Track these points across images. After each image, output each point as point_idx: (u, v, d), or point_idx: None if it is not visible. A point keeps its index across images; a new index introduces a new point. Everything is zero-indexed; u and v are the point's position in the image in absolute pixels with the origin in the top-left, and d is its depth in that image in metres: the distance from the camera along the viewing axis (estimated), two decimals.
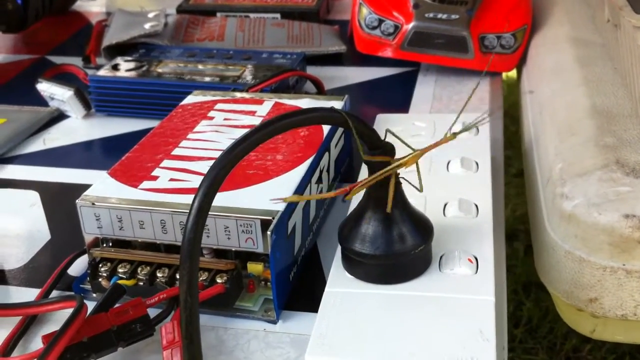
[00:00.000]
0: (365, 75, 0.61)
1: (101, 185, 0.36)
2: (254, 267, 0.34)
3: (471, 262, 0.32)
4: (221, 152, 0.37)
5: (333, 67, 0.62)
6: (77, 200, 0.35)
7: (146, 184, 0.36)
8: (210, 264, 0.34)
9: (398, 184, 0.31)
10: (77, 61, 0.63)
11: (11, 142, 0.50)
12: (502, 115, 0.54)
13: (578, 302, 0.36)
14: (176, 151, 0.39)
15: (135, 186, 0.36)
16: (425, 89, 0.57)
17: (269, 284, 0.34)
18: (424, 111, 0.54)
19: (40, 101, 0.56)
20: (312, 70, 0.59)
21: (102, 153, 0.50)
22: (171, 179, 0.36)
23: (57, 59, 0.66)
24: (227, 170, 0.27)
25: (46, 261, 0.39)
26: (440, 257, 0.33)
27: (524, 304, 1.05)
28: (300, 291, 0.36)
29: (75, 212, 0.43)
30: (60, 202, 0.44)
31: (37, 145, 0.51)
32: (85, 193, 0.35)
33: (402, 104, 0.55)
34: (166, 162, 0.38)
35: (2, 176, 0.47)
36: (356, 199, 0.35)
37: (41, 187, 0.46)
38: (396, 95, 0.57)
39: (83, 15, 0.78)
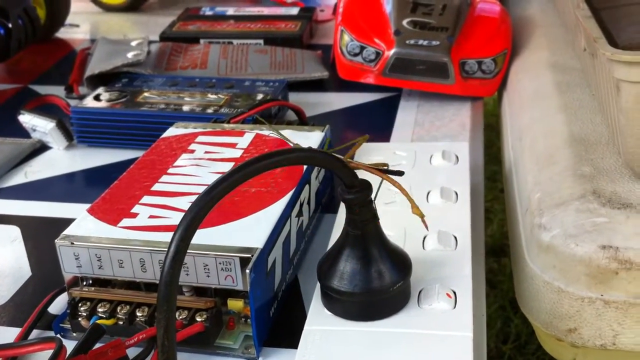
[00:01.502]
0: (347, 100, 0.61)
1: (80, 223, 0.36)
2: (234, 304, 0.34)
3: (450, 297, 0.32)
4: (201, 187, 0.38)
5: (315, 92, 0.63)
6: (56, 240, 0.35)
7: (125, 221, 0.36)
8: (190, 302, 0.34)
9: (376, 220, 0.32)
10: (59, 90, 0.63)
11: None
12: (482, 140, 0.54)
13: (557, 332, 0.37)
14: (156, 186, 0.39)
15: (115, 224, 0.36)
16: (407, 114, 0.58)
17: (249, 320, 0.34)
18: (406, 137, 0.54)
19: (22, 132, 0.56)
20: (294, 97, 0.60)
21: (85, 185, 0.50)
22: (150, 216, 0.36)
23: (40, 88, 0.66)
24: (204, 212, 0.27)
25: (27, 299, 0.39)
26: (420, 292, 0.33)
27: (512, 320, 1.05)
28: (281, 326, 0.36)
29: (56, 248, 0.43)
30: (41, 238, 0.44)
31: (19, 178, 0.51)
32: (64, 232, 0.35)
33: (384, 131, 0.56)
34: (146, 199, 0.38)
35: None
36: (335, 235, 0.35)
37: (22, 222, 0.46)
38: (378, 121, 0.58)
39: (66, 43, 0.78)
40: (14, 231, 0.45)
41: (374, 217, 0.32)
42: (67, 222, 0.45)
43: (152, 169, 0.41)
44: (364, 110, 0.60)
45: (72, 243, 0.34)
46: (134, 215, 0.36)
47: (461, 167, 0.43)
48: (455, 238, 0.37)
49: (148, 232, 0.35)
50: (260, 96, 0.54)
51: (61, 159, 0.53)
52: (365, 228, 0.31)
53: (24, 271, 0.41)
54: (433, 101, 0.60)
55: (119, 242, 0.34)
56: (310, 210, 0.42)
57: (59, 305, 0.38)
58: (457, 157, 0.44)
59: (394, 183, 0.33)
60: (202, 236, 0.34)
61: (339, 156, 0.30)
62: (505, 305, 1.06)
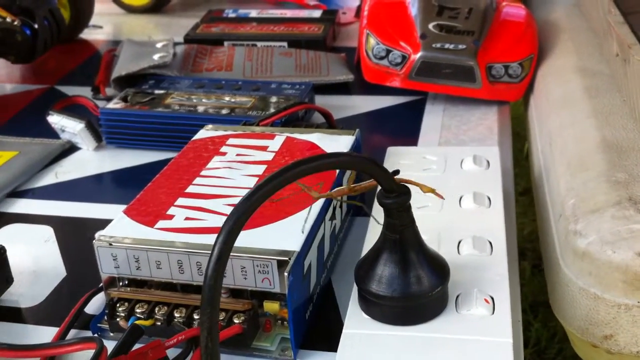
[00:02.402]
0: (372, 104, 0.61)
1: (117, 224, 0.36)
2: (270, 306, 0.35)
3: (487, 302, 0.32)
4: (234, 190, 0.38)
5: (340, 95, 0.63)
6: (94, 241, 0.35)
7: (162, 223, 0.36)
8: (228, 304, 0.34)
9: (414, 224, 0.32)
10: (85, 91, 0.63)
11: (24, 175, 0.51)
12: (511, 145, 0.54)
13: (593, 339, 0.37)
14: (190, 189, 0.39)
15: (152, 225, 0.36)
16: (433, 118, 0.58)
17: (285, 322, 0.34)
18: (434, 141, 0.54)
19: (51, 133, 0.56)
20: (319, 100, 0.60)
21: (115, 186, 0.51)
22: (186, 218, 0.37)
23: (66, 89, 0.66)
24: (247, 216, 0.27)
25: (63, 299, 0.39)
26: (457, 297, 0.33)
27: (532, 324, 1.05)
28: (316, 329, 0.36)
29: (90, 248, 0.43)
30: (74, 238, 0.44)
31: (49, 178, 0.51)
32: (101, 233, 0.35)
33: (410, 134, 0.56)
34: (181, 200, 0.38)
35: (16, 210, 0.48)
36: (370, 239, 0.36)
37: (55, 222, 0.46)
38: (404, 124, 0.58)
39: (90, 44, 0.79)
40: (48, 231, 0.45)
41: (412, 222, 0.32)
42: (100, 222, 0.45)
43: (185, 171, 0.41)
44: (389, 114, 0.60)
45: (111, 244, 0.35)
46: (170, 217, 0.37)
47: (493, 172, 0.43)
48: (490, 243, 0.37)
49: (185, 234, 0.35)
50: (286, 99, 0.54)
51: (90, 159, 0.54)
52: (403, 232, 0.31)
53: (59, 271, 0.41)
54: (459, 105, 0.60)
55: (156, 244, 0.34)
56: (342, 214, 0.42)
57: (94, 305, 0.38)
58: (487, 162, 0.44)
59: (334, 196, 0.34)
60: (239, 239, 0.34)
61: (376, 161, 0.30)
62: (526, 309, 1.06)
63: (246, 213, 0.27)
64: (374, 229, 0.39)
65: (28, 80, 0.70)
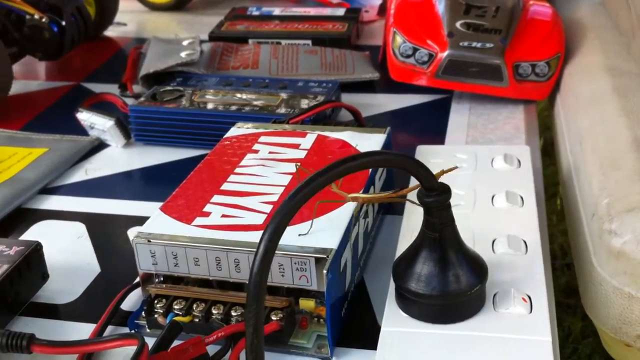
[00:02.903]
0: (397, 102, 0.61)
1: (155, 221, 0.37)
2: (306, 304, 0.35)
3: (525, 301, 0.32)
4: (269, 187, 0.38)
5: (365, 94, 0.63)
6: (132, 238, 0.35)
7: (199, 220, 0.36)
8: (266, 301, 0.34)
9: (454, 223, 0.32)
10: (112, 88, 0.64)
11: (55, 172, 0.51)
12: (539, 144, 0.54)
13: (627, 338, 0.37)
14: (225, 186, 0.40)
15: (189, 222, 0.36)
16: (460, 117, 0.58)
17: (321, 320, 0.35)
18: (461, 139, 0.54)
19: (79, 129, 0.57)
20: (345, 98, 0.60)
21: (144, 183, 0.51)
22: (223, 215, 0.37)
23: (92, 86, 0.67)
24: (292, 213, 0.28)
25: (97, 295, 0.39)
26: (494, 296, 0.33)
27: None
28: (351, 327, 0.36)
29: (122, 244, 0.44)
30: (106, 234, 0.45)
31: (80, 175, 0.52)
32: (140, 230, 0.36)
33: (437, 132, 0.56)
34: (216, 198, 0.38)
35: (48, 207, 0.48)
36: (404, 237, 0.36)
37: (87, 219, 0.46)
38: (431, 123, 0.58)
39: (114, 41, 0.79)
40: (80, 228, 0.45)
41: (452, 221, 0.32)
42: (131, 219, 0.46)
43: (219, 169, 0.41)
44: (415, 112, 0.60)
45: (149, 241, 0.35)
46: (207, 214, 0.37)
47: (524, 170, 0.43)
48: (525, 242, 0.37)
49: (222, 231, 0.35)
50: (314, 97, 0.54)
51: (120, 156, 0.54)
52: (443, 231, 0.32)
53: (93, 267, 0.42)
54: (485, 103, 0.60)
55: (194, 241, 0.35)
56: (374, 212, 0.42)
57: (128, 302, 0.38)
58: (518, 161, 0.44)
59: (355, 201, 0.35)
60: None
61: (417, 160, 0.31)
62: None
63: (292, 210, 0.27)
64: (407, 227, 0.39)
65: (54, 77, 0.70)
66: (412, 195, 0.32)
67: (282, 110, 0.52)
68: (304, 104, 0.53)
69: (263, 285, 0.27)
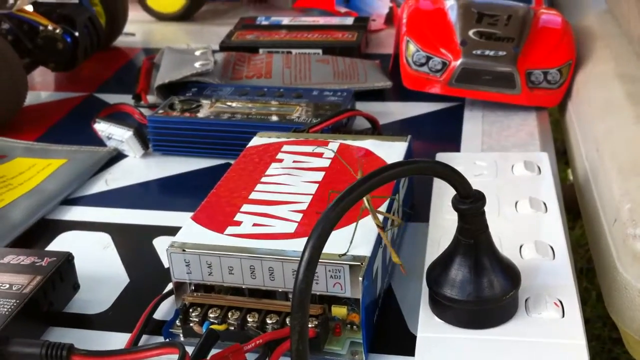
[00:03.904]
0: (409, 110, 0.62)
1: (188, 231, 0.37)
2: (339, 311, 0.35)
3: (557, 305, 0.33)
4: (296, 196, 0.39)
5: (376, 102, 0.63)
6: (167, 247, 0.35)
7: (231, 229, 0.37)
8: None
9: (488, 230, 0.32)
10: (124, 98, 0.64)
11: (75, 182, 0.52)
12: (554, 150, 0.55)
13: None
14: (253, 195, 0.40)
15: (221, 232, 0.37)
16: (473, 124, 0.59)
17: (354, 327, 0.35)
18: (476, 147, 0.55)
19: (94, 140, 0.57)
20: (357, 106, 0.61)
21: (165, 193, 0.51)
22: (254, 224, 0.37)
23: (105, 97, 0.67)
24: (334, 222, 0.28)
25: (128, 305, 0.40)
26: (526, 301, 0.34)
27: None
28: (382, 333, 0.37)
29: (149, 254, 0.44)
30: (132, 244, 0.45)
31: (100, 185, 0.52)
32: (173, 239, 0.36)
33: (452, 140, 0.56)
34: (246, 207, 0.39)
35: (71, 218, 0.48)
36: (432, 243, 0.36)
37: (111, 229, 0.47)
38: (445, 130, 0.58)
39: (123, 51, 0.79)
40: (105, 238, 0.46)
41: (486, 227, 0.32)
42: (155, 229, 0.46)
43: (246, 178, 0.42)
44: (428, 120, 0.60)
45: (184, 250, 0.35)
46: (238, 223, 0.37)
47: (545, 177, 0.44)
48: (552, 248, 0.37)
49: (255, 240, 0.36)
50: (330, 105, 0.55)
51: (138, 166, 0.54)
52: (477, 237, 0.32)
53: (122, 277, 0.42)
54: (497, 111, 0.60)
55: (229, 250, 0.35)
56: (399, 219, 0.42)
57: (159, 311, 0.39)
58: (539, 168, 0.45)
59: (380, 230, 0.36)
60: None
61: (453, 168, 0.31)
62: None
63: (334, 218, 0.28)
64: (434, 234, 0.40)
65: (65, 87, 0.70)
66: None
67: (301, 119, 0.53)
68: (321, 112, 0.54)
69: (308, 293, 0.28)
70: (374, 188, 0.29)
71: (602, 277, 0.42)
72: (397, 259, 0.37)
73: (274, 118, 0.53)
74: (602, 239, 0.43)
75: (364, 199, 0.36)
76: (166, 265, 0.43)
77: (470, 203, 0.31)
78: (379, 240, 0.36)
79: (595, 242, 0.45)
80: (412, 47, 0.60)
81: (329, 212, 0.28)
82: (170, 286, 0.40)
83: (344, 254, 0.34)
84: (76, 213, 0.49)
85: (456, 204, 0.32)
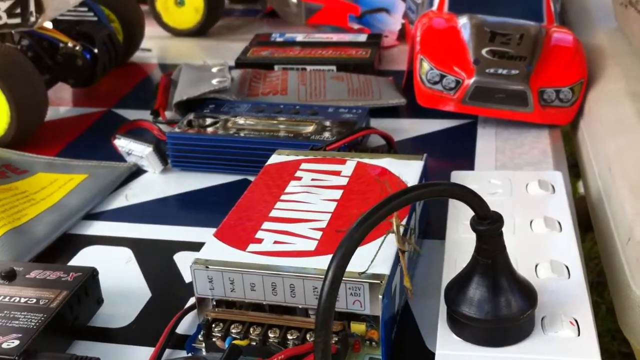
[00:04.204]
0: (423, 127, 0.63)
1: (211, 248, 0.38)
2: (358, 327, 0.36)
3: (573, 324, 0.34)
4: (316, 214, 0.39)
5: (390, 119, 0.64)
6: (191, 264, 0.36)
7: (253, 246, 0.38)
8: None
9: (505, 250, 0.33)
10: (142, 114, 0.65)
11: (97, 197, 0.53)
12: (567, 168, 0.56)
13: None
14: (273, 213, 0.41)
15: (243, 249, 0.38)
16: (486, 142, 0.59)
17: (373, 343, 0.36)
18: (490, 164, 0.56)
19: (114, 155, 0.58)
20: (372, 123, 0.61)
21: (184, 208, 0.52)
22: (275, 242, 0.38)
23: (123, 112, 0.68)
24: (357, 243, 0.29)
25: (151, 319, 0.41)
26: (542, 319, 0.34)
27: None
28: (399, 348, 0.37)
29: (170, 269, 0.45)
30: (153, 259, 0.46)
31: (120, 201, 0.53)
32: (197, 256, 0.37)
33: (466, 157, 0.57)
34: (267, 225, 0.40)
35: (93, 232, 0.49)
36: (449, 262, 0.37)
37: (132, 244, 0.48)
38: (458, 148, 0.59)
39: (140, 67, 0.81)
40: (127, 253, 0.47)
41: (504, 248, 0.33)
42: (176, 244, 0.47)
43: (266, 196, 0.43)
44: (442, 137, 0.61)
45: (207, 267, 0.36)
46: (260, 240, 0.38)
47: (559, 196, 0.45)
48: (567, 267, 0.38)
49: (276, 257, 0.37)
50: (346, 123, 0.56)
51: (158, 182, 0.55)
52: (495, 258, 0.33)
53: (144, 292, 0.43)
54: (510, 128, 0.61)
55: (251, 267, 0.36)
56: (415, 237, 0.43)
57: (182, 325, 0.39)
58: (553, 187, 0.46)
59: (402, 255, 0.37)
60: (329, 262, 0.36)
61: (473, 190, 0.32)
62: None
63: (358, 239, 0.29)
64: (451, 252, 0.40)
65: (84, 103, 0.72)
66: None
67: (318, 136, 0.54)
68: (336, 130, 0.55)
69: (332, 311, 0.29)
70: (396, 209, 0.30)
71: (615, 295, 0.43)
72: (408, 284, 0.37)
73: (291, 135, 0.54)
74: (615, 257, 0.44)
75: (393, 222, 0.37)
76: (187, 280, 0.44)
77: (488, 224, 0.32)
78: (397, 258, 0.37)
79: (608, 260, 0.45)
80: (426, 66, 0.61)
81: (352, 233, 0.29)
82: (191, 301, 0.41)
83: (364, 272, 0.35)
84: (98, 228, 0.50)
85: (474, 225, 0.32)
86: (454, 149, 0.59)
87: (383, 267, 0.35)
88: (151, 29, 0.87)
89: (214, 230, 0.39)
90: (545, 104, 0.60)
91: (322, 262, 0.36)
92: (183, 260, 0.46)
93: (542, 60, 0.61)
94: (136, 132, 0.59)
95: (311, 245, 0.38)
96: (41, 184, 0.54)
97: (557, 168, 0.54)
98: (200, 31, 0.87)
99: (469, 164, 0.56)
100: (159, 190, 0.54)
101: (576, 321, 0.34)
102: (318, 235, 0.39)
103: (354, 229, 0.29)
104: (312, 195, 0.43)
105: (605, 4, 0.74)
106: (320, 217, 0.40)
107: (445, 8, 0.68)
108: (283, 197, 0.43)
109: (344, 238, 0.29)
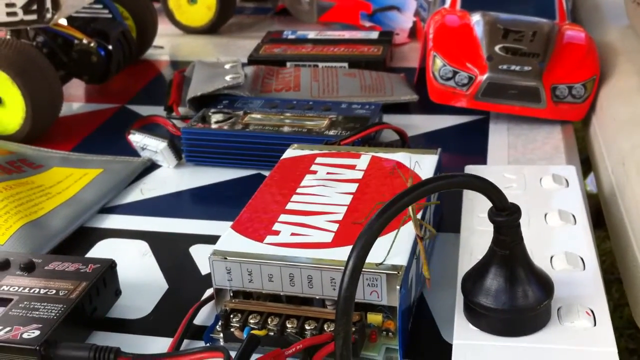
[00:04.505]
0: (435, 123, 0.63)
1: (228, 239, 0.38)
2: (374, 318, 0.36)
3: (589, 314, 0.34)
4: (331, 207, 0.40)
5: (401, 115, 0.65)
6: (209, 256, 0.37)
7: (270, 238, 0.38)
8: None
9: (522, 241, 0.33)
10: (155, 109, 0.66)
11: (112, 191, 0.53)
12: (579, 163, 0.56)
13: None
14: (290, 205, 0.41)
15: (261, 240, 0.38)
16: (499, 137, 0.60)
17: (389, 333, 0.36)
18: (502, 159, 0.56)
19: (128, 150, 0.58)
20: (384, 119, 0.62)
21: (199, 202, 0.53)
22: (292, 234, 0.39)
23: (137, 108, 0.69)
24: (378, 233, 0.29)
25: (168, 311, 0.41)
26: (558, 310, 0.35)
27: None
28: (415, 339, 0.38)
29: (186, 261, 0.45)
30: (169, 252, 0.46)
31: (135, 195, 0.54)
32: (215, 248, 0.37)
33: (479, 153, 0.57)
34: (284, 217, 0.40)
35: (109, 226, 0.50)
36: (464, 254, 0.37)
37: (148, 237, 0.48)
38: (471, 143, 0.59)
39: (152, 64, 0.81)
40: (144, 246, 0.47)
41: (521, 239, 0.33)
42: (191, 237, 0.48)
43: (282, 189, 0.43)
44: (454, 133, 0.62)
45: (225, 258, 0.37)
46: (277, 232, 0.39)
47: (573, 190, 0.45)
48: (582, 259, 0.38)
49: (294, 249, 0.37)
50: (359, 118, 0.56)
51: (172, 176, 0.56)
52: (513, 249, 0.33)
53: (161, 284, 0.43)
54: (522, 124, 0.61)
55: (269, 258, 0.36)
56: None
57: (198, 317, 0.40)
58: (566, 181, 0.46)
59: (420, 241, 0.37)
60: (345, 253, 0.36)
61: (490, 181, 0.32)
62: None
63: (378, 229, 0.29)
64: (465, 244, 0.41)
65: (97, 99, 0.72)
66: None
67: (331, 131, 0.54)
68: (350, 125, 0.55)
69: (352, 301, 0.29)
70: (415, 201, 0.30)
71: (629, 289, 0.43)
72: (427, 272, 0.38)
73: (304, 130, 0.55)
74: (629, 251, 0.44)
75: (409, 208, 0.37)
76: (203, 272, 0.44)
77: (506, 215, 0.32)
78: (413, 249, 0.37)
79: (622, 255, 0.46)
80: (439, 62, 0.61)
81: (373, 223, 0.29)
82: (208, 293, 0.42)
83: (381, 263, 0.35)
84: (114, 221, 0.50)
85: (492, 216, 0.33)
86: (466, 144, 0.59)
87: (400, 258, 0.36)
88: (163, 27, 0.88)
89: (228, 223, 0.40)
90: (557, 100, 0.60)
91: (339, 253, 0.37)
92: (199, 253, 0.46)
93: (554, 57, 0.61)
94: (150, 127, 0.60)
95: (328, 237, 0.38)
96: (57, 178, 0.55)
97: (570, 163, 0.55)
98: (212, 29, 0.88)
99: (481, 160, 0.56)
100: (174, 185, 0.55)
101: (592, 311, 0.34)
102: (334, 227, 0.39)
103: (374, 219, 0.29)
104: (328, 188, 0.43)
105: (617, 1, 0.74)
106: (336, 209, 0.41)
107: (458, 5, 0.68)
108: (299, 190, 0.43)
109: (364, 229, 0.29)
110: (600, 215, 0.54)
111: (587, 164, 0.67)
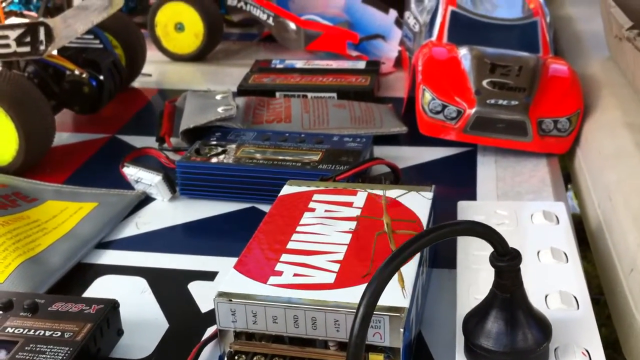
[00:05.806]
0: (424, 155, 0.64)
1: (232, 280, 0.39)
2: (376, 358, 0.37)
3: (584, 355, 0.35)
4: (332, 246, 0.40)
5: (390, 146, 0.66)
6: (214, 297, 0.37)
7: (273, 279, 0.39)
8: (342, 357, 0.36)
9: (522, 285, 0.35)
10: (146, 140, 0.66)
11: (108, 226, 0.53)
12: (566, 197, 0.57)
13: None
14: (291, 245, 0.42)
15: (264, 282, 0.39)
16: (487, 170, 0.61)
17: None
18: (491, 192, 0.57)
19: (121, 182, 0.59)
20: (374, 150, 0.63)
21: (196, 236, 0.53)
22: (295, 274, 0.39)
23: (127, 138, 0.69)
24: (387, 280, 0.30)
25: (170, 350, 0.41)
26: (555, 350, 0.36)
27: None
28: None
29: (186, 299, 0.46)
30: (168, 289, 0.47)
31: (131, 229, 0.54)
32: (220, 289, 0.38)
33: (467, 185, 0.59)
34: (285, 257, 0.41)
35: (106, 262, 0.50)
36: (461, 293, 0.38)
37: (146, 273, 0.48)
38: (460, 176, 0.61)
39: (141, 92, 0.81)
40: (142, 283, 0.47)
41: (521, 283, 0.34)
42: (189, 273, 0.48)
43: (281, 227, 0.44)
44: (443, 165, 0.63)
45: (230, 300, 0.37)
46: (279, 273, 0.39)
47: (563, 227, 0.46)
48: (575, 298, 0.39)
49: (297, 290, 0.38)
50: (351, 152, 0.57)
51: (167, 210, 0.56)
52: (513, 292, 0.34)
53: (161, 322, 0.44)
54: (509, 157, 0.63)
55: (273, 300, 0.37)
56: (426, 267, 0.44)
57: (201, 356, 0.40)
58: (557, 217, 0.47)
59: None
60: (348, 294, 0.37)
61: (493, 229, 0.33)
62: None
63: (388, 276, 0.30)
64: (463, 283, 0.42)
65: (87, 129, 0.72)
66: None
67: (325, 166, 0.55)
68: (344, 159, 0.56)
69: (362, 347, 0.30)
70: (422, 248, 0.31)
71: (618, 324, 0.45)
72: (402, 283, 0.38)
73: (299, 164, 0.56)
74: (617, 287, 0.45)
75: (384, 220, 0.38)
76: (202, 310, 0.45)
77: (507, 261, 0.33)
78: (414, 290, 0.38)
79: (610, 290, 0.47)
80: (428, 96, 0.63)
81: (382, 271, 0.30)
82: (209, 331, 0.42)
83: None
84: (111, 257, 0.51)
85: (494, 261, 0.34)
86: (456, 176, 0.61)
87: (402, 299, 0.37)
88: (150, 54, 0.88)
89: (225, 258, 0.41)
90: (543, 134, 0.61)
91: (342, 295, 0.37)
92: (197, 290, 0.47)
93: (540, 91, 0.62)
94: (141, 159, 0.60)
95: (330, 278, 0.39)
96: (52, 212, 0.55)
97: (557, 197, 0.56)
98: (199, 56, 0.88)
99: (471, 192, 0.58)
100: (169, 218, 0.55)
101: (587, 352, 0.35)
102: (336, 267, 0.40)
103: (383, 267, 0.30)
104: (327, 227, 0.44)
105: (596, 32, 0.77)
106: (336, 249, 0.42)
107: (445, 38, 0.70)
108: (299, 228, 0.44)
109: (373, 276, 0.30)
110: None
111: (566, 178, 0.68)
